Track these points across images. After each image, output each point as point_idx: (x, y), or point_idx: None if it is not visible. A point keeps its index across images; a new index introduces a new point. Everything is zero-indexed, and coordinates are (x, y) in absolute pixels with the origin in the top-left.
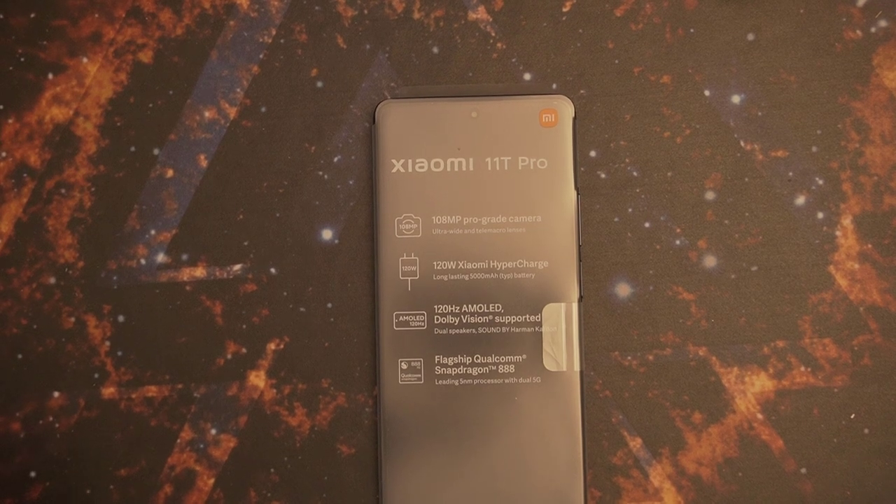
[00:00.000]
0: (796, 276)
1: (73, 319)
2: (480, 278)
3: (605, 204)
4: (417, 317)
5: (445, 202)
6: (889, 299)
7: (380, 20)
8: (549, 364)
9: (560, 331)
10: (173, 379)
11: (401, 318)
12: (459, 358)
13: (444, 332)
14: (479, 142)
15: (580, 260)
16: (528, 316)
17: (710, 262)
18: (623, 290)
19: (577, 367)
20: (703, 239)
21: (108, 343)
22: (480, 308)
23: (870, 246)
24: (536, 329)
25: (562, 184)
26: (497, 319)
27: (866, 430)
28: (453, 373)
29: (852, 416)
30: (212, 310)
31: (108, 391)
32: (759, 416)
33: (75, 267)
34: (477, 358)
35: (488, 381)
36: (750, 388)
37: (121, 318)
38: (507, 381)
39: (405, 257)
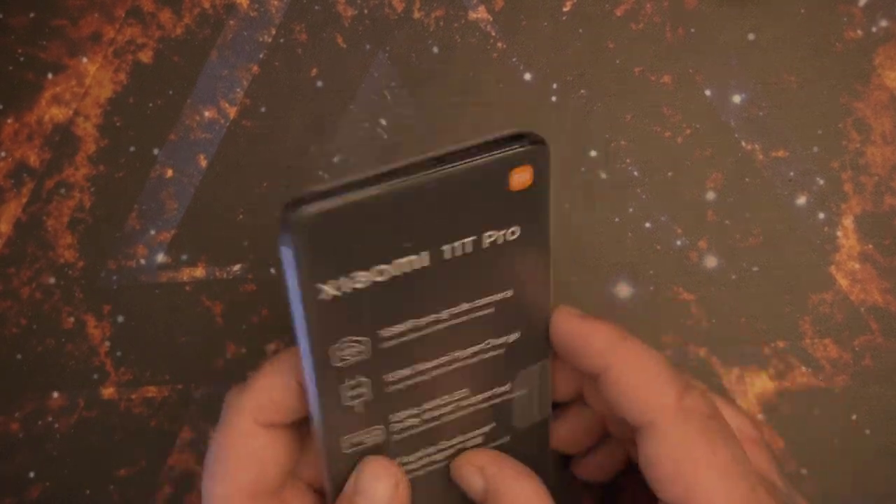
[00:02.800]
0: (797, 277)
1: (72, 319)
2: (443, 373)
3: (606, 204)
4: (372, 433)
5: (396, 311)
6: (890, 299)
7: (380, 20)
8: (519, 422)
9: (534, 389)
10: (173, 379)
11: (353, 440)
12: (422, 451)
13: (406, 434)
14: (431, 229)
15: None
16: (496, 388)
17: (710, 262)
18: (623, 290)
19: (547, 413)
20: (703, 239)
21: (107, 343)
22: (444, 400)
23: (871, 246)
24: (506, 397)
25: (537, 249)
26: (463, 403)
27: (867, 431)
28: (418, 465)
29: (853, 417)
30: (212, 310)
31: (108, 391)
32: (760, 416)
33: (75, 267)
34: (441, 444)
35: (455, 458)
36: (751, 389)
37: (120, 319)
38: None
39: (350, 382)
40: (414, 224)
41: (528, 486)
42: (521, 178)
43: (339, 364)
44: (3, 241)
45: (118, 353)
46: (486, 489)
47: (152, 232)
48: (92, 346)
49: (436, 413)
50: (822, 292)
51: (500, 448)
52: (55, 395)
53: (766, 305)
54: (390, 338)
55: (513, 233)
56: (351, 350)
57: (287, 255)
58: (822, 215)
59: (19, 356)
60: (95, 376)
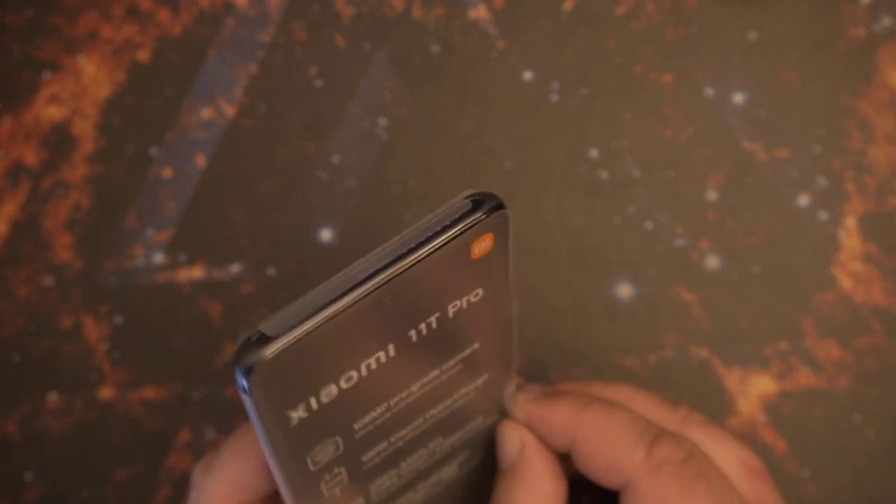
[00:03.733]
0: (799, 277)
1: (70, 320)
2: (416, 434)
3: (606, 204)
4: None
5: (367, 404)
6: (892, 300)
7: (379, 19)
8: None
9: (501, 416)
10: (171, 380)
11: None
12: (403, 498)
13: (385, 493)
14: (396, 323)
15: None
16: (468, 426)
17: (711, 262)
18: (624, 290)
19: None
20: (704, 239)
21: (105, 344)
22: (420, 454)
23: (873, 246)
24: (478, 428)
25: (499, 302)
26: (437, 449)
27: (869, 432)
28: None
29: (855, 418)
30: (210, 311)
31: (106, 392)
32: (762, 417)
33: (73, 267)
34: (419, 486)
35: (433, 490)
36: (752, 390)
37: (118, 319)
38: (450, 481)
39: (327, 477)
40: (378, 326)
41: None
42: (482, 245)
43: (314, 468)
44: (0, 241)
45: (116, 354)
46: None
47: (150, 232)
48: (89, 347)
49: (413, 467)
50: (824, 293)
51: (477, 472)
52: (52, 396)
53: (767, 306)
54: (363, 427)
55: (476, 295)
56: (325, 453)
57: (247, 400)
58: (824, 215)
59: (16, 357)
60: (93, 377)
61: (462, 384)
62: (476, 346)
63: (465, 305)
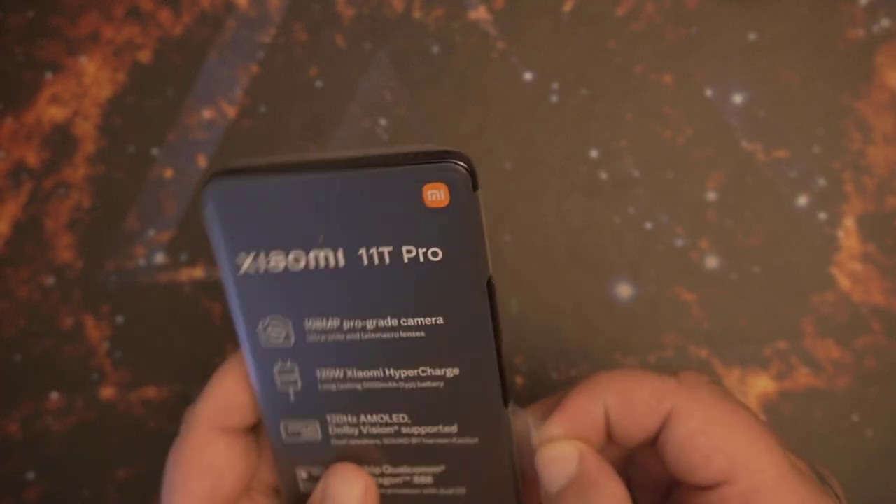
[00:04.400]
0: (798, 277)
1: (71, 320)
2: (376, 388)
3: (606, 204)
4: (308, 425)
5: (317, 305)
6: (892, 300)
7: (379, 19)
8: (478, 475)
9: (493, 444)
10: (172, 380)
11: (289, 428)
12: (366, 468)
13: (344, 442)
14: (346, 229)
15: (502, 360)
16: (441, 427)
17: (711, 262)
18: (624, 290)
19: (517, 477)
20: (704, 239)
21: (106, 344)
22: (382, 419)
23: (872, 246)
24: (456, 441)
25: (463, 278)
26: (404, 430)
27: (869, 432)
28: None
29: (855, 418)
30: (211, 310)
31: (107, 392)
32: (762, 417)
33: (74, 267)
34: (386, 468)
35: (402, 490)
36: (752, 390)
37: (119, 319)
38: (424, 491)
39: (279, 365)
40: (328, 219)
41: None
42: (435, 195)
43: (266, 346)
44: (1, 241)
45: (117, 354)
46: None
47: (151, 232)
48: (91, 347)
49: (374, 430)
50: (823, 293)
51: (454, 499)
52: (54, 395)
53: (767, 306)
54: (315, 332)
55: (434, 254)
56: (275, 331)
57: (207, 221)
58: (823, 215)
59: (18, 357)
60: (94, 377)
61: (426, 362)
62: (440, 320)
63: (421, 259)
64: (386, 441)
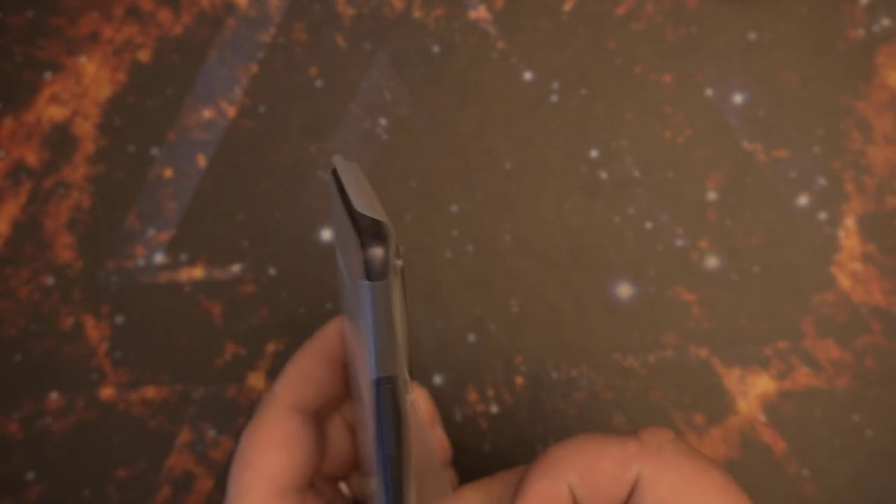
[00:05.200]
0: (798, 277)
1: (71, 320)
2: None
3: (606, 204)
4: None
5: None
6: (892, 300)
7: (379, 19)
8: None
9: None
10: (172, 380)
11: None
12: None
13: None
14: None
15: (395, 474)
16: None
17: (711, 262)
18: (624, 290)
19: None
20: (704, 239)
21: (106, 344)
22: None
23: (872, 246)
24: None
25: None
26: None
27: (869, 432)
28: None
29: (855, 418)
30: (211, 310)
31: (107, 392)
32: (761, 417)
33: (74, 267)
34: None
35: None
36: (752, 390)
37: (119, 319)
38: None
39: None
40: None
41: None
42: None
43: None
44: (1, 241)
45: (117, 354)
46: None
47: (151, 232)
48: (90, 347)
49: None
50: (823, 293)
51: None
52: (54, 395)
53: (767, 306)
54: None
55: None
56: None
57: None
58: (823, 215)
59: (18, 357)
60: (94, 377)
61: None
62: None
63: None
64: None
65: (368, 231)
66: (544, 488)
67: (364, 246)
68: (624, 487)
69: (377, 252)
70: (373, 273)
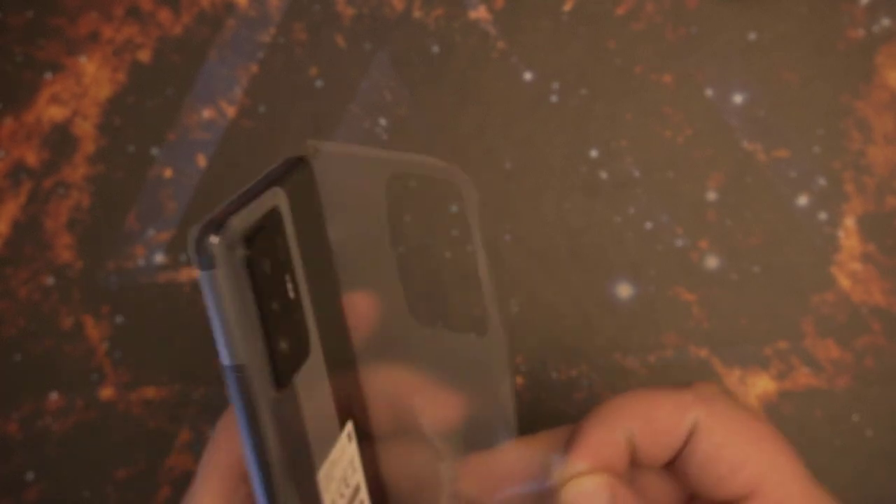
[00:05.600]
0: (798, 277)
1: (71, 320)
2: None
3: (606, 204)
4: None
5: None
6: (892, 300)
7: (379, 19)
8: None
9: None
10: (172, 380)
11: None
12: None
13: None
14: None
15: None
16: None
17: (711, 262)
18: (624, 290)
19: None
20: (704, 239)
21: (106, 344)
22: None
23: (872, 246)
24: None
25: None
26: None
27: (869, 432)
28: None
29: (855, 418)
30: None
31: (107, 392)
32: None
33: (73, 267)
34: None
35: None
36: (752, 390)
37: (119, 319)
38: None
39: None
40: None
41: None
42: None
43: None
44: (1, 241)
45: (117, 354)
46: None
47: (151, 232)
48: (90, 347)
49: None
50: (823, 293)
51: None
52: (53, 395)
53: (767, 306)
54: None
55: None
56: None
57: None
58: (823, 215)
59: (17, 357)
60: (94, 377)
61: None
62: None
63: None
64: None
65: (201, 224)
66: (600, 436)
67: (194, 239)
68: (681, 434)
69: (202, 243)
70: (201, 263)
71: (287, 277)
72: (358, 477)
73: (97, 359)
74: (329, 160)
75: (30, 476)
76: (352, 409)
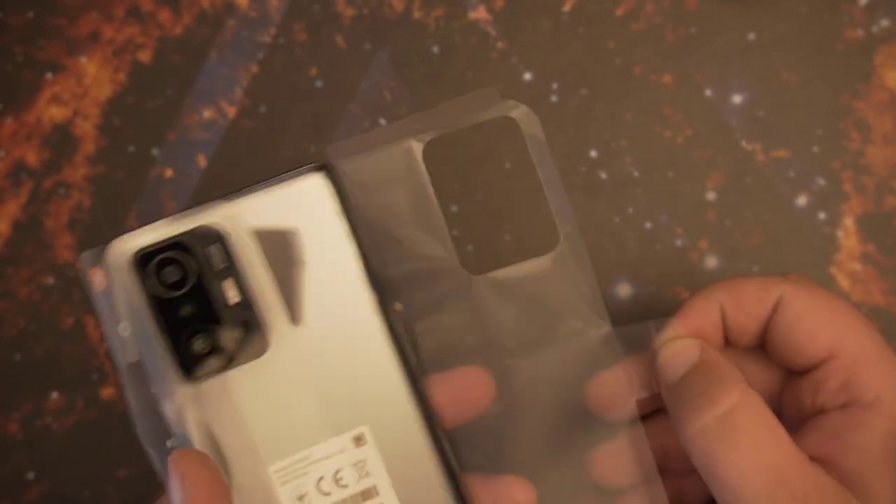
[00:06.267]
0: None
1: (71, 320)
2: None
3: (606, 204)
4: None
5: None
6: (891, 300)
7: (379, 19)
8: None
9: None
10: None
11: None
12: None
13: None
14: None
15: None
16: None
17: (711, 262)
18: (624, 290)
19: None
20: (704, 239)
21: (106, 344)
22: None
23: (872, 247)
24: None
25: None
26: None
27: None
28: None
29: None
30: None
31: (107, 392)
32: None
33: (74, 267)
34: None
35: None
36: None
37: None
38: None
39: None
40: None
41: None
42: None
43: None
44: (1, 241)
45: None
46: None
47: None
48: (91, 347)
49: None
50: None
51: None
52: (54, 395)
53: None
54: None
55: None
56: None
57: None
58: (822, 215)
59: (18, 357)
60: (94, 377)
61: None
62: None
63: None
64: None
65: (99, 247)
66: (699, 305)
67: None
68: (767, 306)
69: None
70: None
71: (230, 283)
72: (374, 481)
73: (97, 358)
74: (346, 163)
75: (30, 476)
76: (367, 413)
